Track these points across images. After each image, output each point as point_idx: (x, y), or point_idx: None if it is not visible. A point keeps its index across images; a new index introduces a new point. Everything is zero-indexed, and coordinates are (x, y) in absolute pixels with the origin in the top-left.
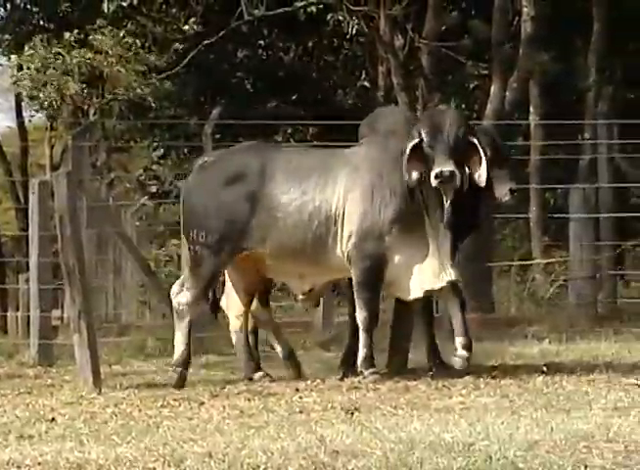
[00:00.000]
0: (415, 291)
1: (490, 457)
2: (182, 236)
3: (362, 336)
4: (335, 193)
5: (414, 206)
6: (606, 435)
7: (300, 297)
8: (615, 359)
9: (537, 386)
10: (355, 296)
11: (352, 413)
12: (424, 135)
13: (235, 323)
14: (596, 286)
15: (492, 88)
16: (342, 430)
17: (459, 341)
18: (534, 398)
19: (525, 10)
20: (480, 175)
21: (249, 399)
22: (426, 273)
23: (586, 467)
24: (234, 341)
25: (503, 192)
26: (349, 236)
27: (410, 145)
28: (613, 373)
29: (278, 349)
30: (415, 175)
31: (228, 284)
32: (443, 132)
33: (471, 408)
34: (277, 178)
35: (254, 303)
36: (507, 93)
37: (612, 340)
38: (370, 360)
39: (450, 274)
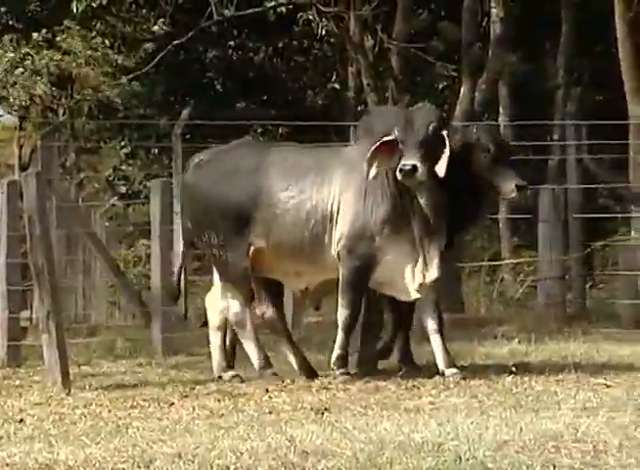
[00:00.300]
0: (413, 290)
1: (460, 457)
2: (151, 238)
3: (339, 335)
4: (330, 192)
5: (405, 206)
6: (574, 435)
7: (298, 294)
8: (583, 360)
9: (506, 386)
10: (340, 295)
11: (322, 413)
12: (396, 131)
13: (215, 320)
14: (565, 286)
15: (462, 89)
16: (312, 430)
17: (442, 365)
18: (503, 398)
19: (493, 11)
20: (440, 167)
21: (218, 400)
22: (415, 272)
23: (555, 467)
24: (211, 338)
25: (509, 189)
26: (341, 235)
27: (380, 141)
28: (581, 373)
29: (291, 358)
30: (373, 172)
31: (215, 279)
32: (414, 128)
33: (440, 409)
34: (275, 176)
35: (270, 309)
36: (476, 94)
37: (580, 340)
38: (343, 360)
39: (433, 273)
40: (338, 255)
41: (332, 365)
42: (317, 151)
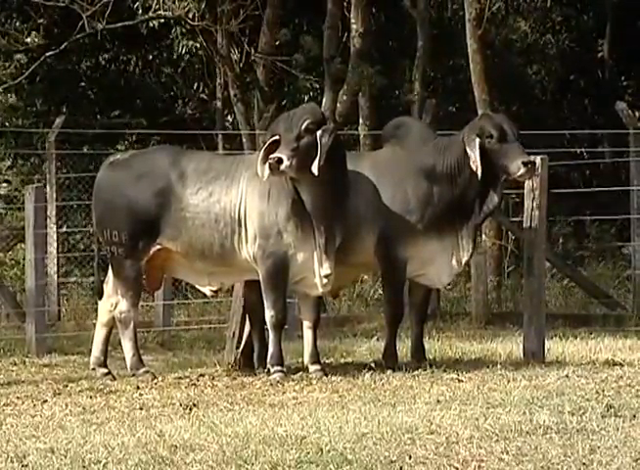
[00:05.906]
0: (320, 285)
1: (321, 449)
2: (26, 241)
3: (271, 335)
4: (238, 195)
5: (302, 203)
6: (429, 427)
7: (210, 294)
8: (437, 356)
9: (365, 381)
10: (263, 296)
11: (190, 409)
12: (279, 129)
13: (103, 317)
14: None
15: (324, 101)
16: (181, 425)
17: (307, 360)
18: (362, 393)
19: (353, 27)
20: (314, 166)
21: (90, 397)
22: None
23: (410, 458)
24: (95, 333)
25: (517, 167)
26: (254, 236)
27: (269, 141)
28: (435, 369)
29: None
30: (266, 171)
31: (109, 276)
32: (290, 124)
33: (303, 403)
34: (186, 180)
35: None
36: (338, 105)
37: (435, 338)
38: (278, 358)
39: (325, 269)
40: (254, 256)
41: (268, 364)
42: (227, 157)
